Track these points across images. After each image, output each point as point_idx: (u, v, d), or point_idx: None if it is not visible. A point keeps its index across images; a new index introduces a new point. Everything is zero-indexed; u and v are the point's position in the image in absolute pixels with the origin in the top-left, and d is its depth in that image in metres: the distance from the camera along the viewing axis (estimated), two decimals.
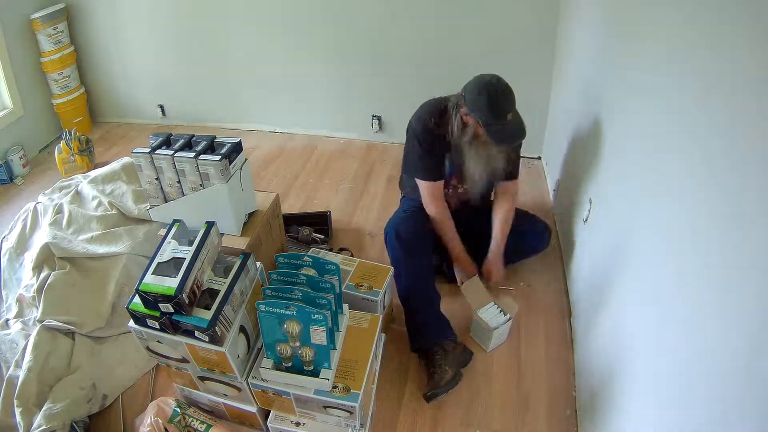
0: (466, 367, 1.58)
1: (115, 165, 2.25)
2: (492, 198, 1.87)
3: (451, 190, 1.81)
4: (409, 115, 1.72)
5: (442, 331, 1.59)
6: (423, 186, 1.73)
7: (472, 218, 1.84)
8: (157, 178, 1.45)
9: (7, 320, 1.71)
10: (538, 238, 1.86)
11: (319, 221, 2.16)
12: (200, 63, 2.89)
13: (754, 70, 0.77)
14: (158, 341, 1.25)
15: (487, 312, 1.65)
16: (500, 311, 1.65)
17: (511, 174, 1.77)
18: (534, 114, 2.52)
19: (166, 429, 1.34)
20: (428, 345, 1.56)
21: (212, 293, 1.21)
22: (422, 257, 1.66)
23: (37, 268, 1.79)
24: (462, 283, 1.76)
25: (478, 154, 1.64)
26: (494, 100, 1.49)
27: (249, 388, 1.30)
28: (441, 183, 1.73)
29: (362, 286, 1.57)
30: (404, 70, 2.62)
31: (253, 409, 1.39)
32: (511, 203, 1.80)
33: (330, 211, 2.23)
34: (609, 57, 1.62)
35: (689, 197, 0.96)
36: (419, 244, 1.66)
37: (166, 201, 1.50)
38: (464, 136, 1.60)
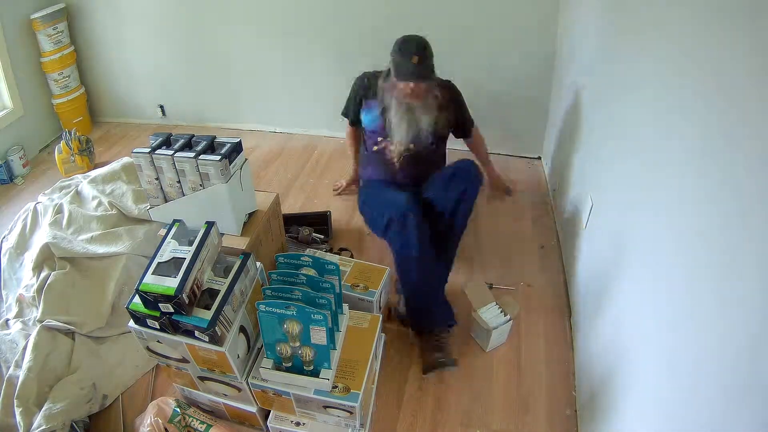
0: (447, 369, 1.58)
1: (115, 165, 2.25)
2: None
3: (381, 144, 1.89)
4: None
5: (449, 316, 1.64)
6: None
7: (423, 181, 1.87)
8: (157, 178, 1.45)
9: (7, 320, 1.71)
10: (467, 172, 1.75)
11: (319, 221, 2.16)
12: (200, 63, 2.89)
13: (755, 68, 0.77)
14: (158, 341, 1.25)
15: (488, 312, 1.65)
16: (501, 311, 1.65)
17: (465, 132, 2.07)
18: (534, 114, 2.53)
19: (166, 429, 1.34)
20: (433, 327, 1.62)
21: (212, 293, 1.21)
22: (427, 247, 1.62)
23: (37, 268, 1.79)
24: None
25: (403, 111, 1.76)
26: (404, 40, 1.71)
27: (249, 388, 1.30)
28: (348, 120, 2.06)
29: (358, 286, 1.57)
30: None
31: (253, 409, 1.39)
32: (481, 144, 2.18)
33: (330, 211, 2.23)
34: (609, 57, 1.62)
35: (689, 197, 0.96)
36: (424, 233, 1.62)
37: (166, 201, 1.50)
38: (388, 80, 1.76)
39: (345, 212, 2.33)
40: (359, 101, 1.94)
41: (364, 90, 1.91)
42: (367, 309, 1.54)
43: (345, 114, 2.06)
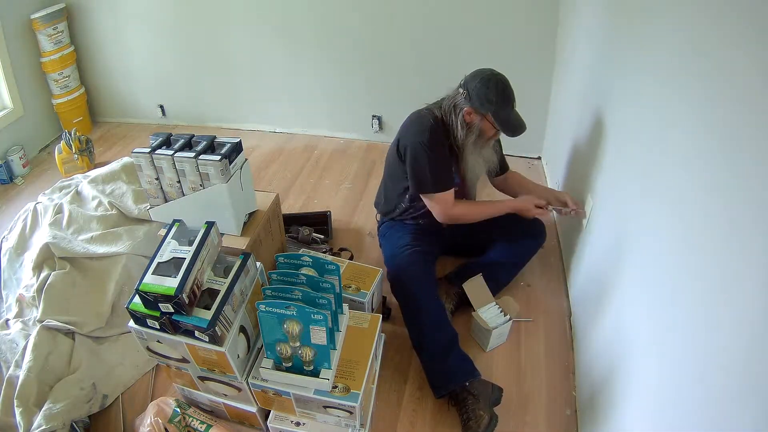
0: (499, 404, 1.43)
1: (115, 165, 2.25)
2: (500, 189, 1.96)
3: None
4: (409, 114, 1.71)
5: (467, 372, 1.46)
6: (440, 198, 1.63)
7: (467, 231, 1.79)
8: (157, 178, 1.45)
9: (7, 320, 1.71)
10: (535, 233, 1.81)
11: (319, 221, 2.16)
12: (200, 63, 2.89)
13: (752, 74, 0.77)
14: (158, 341, 1.25)
15: (488, 311, 1.65)
16: (501, 311, 1.65)
17: (503, 167, 1.88)
18: (534, 114, 2.52)
19: (166, 429, 1.34)
20: (455, 389, 1.45)
21: (212, 293, 1.21)
22: (435, 298, 1.56)
23: (37, 268, 1.79)
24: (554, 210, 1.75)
25: (479, 154, 1.66)
26: (503, 89, 1.52)
27: (249, 388, 1.30)
28: (453, 189, 1.67)
29: (350, 287, 1.57)
30: (404, 70, 2.62)
31: (253, 409, 1.39)
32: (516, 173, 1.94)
33: (330, 211, 2.23)
34: (609, 57, 1.62)
35: (689, 198, 0.96)
36: (429, 285, 1.57)
37: (166, 201, 1.50)
38: (470, 137, 1.59)
39: (345, 212, 2.33)
40: (448, 162, 1.63)
41: (446, 147, 1.62)
42: (358, 310, 1.52)
43: (444, 187, 1.62)
